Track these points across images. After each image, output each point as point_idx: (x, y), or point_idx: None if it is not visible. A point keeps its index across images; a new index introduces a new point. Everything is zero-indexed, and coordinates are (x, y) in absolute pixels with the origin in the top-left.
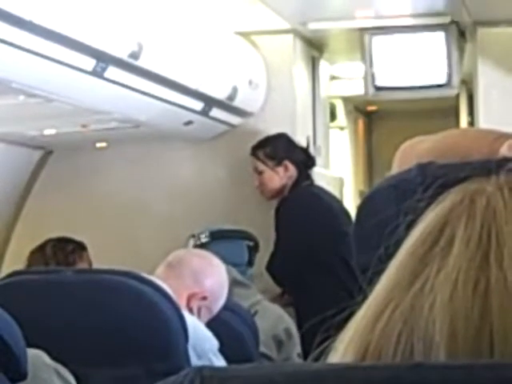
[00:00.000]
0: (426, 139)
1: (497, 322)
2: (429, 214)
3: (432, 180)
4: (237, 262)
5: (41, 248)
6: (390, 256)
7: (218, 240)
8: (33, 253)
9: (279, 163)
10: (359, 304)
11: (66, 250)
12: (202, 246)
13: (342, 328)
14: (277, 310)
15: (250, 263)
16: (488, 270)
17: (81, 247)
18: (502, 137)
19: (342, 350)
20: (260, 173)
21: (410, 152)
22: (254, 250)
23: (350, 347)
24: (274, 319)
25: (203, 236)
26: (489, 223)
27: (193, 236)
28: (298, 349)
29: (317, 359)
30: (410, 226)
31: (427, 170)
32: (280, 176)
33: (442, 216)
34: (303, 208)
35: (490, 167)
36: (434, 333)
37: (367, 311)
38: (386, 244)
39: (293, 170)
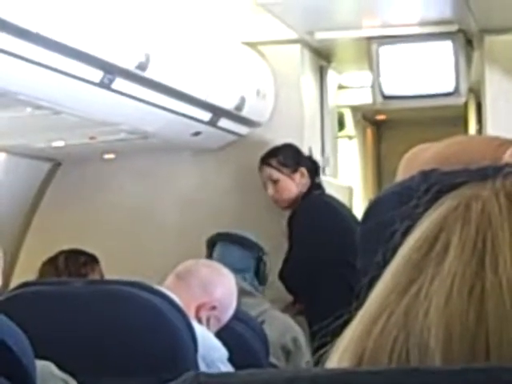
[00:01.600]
0: (431, 146)
1: (492, 327)
2: (425, 220)
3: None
4: (239, 267)
5: (53, 260)
6: (387, 262)
7: (220, 242)
8: (44, 265)
9: (295, 170)
10: (356, 309)
11: (78, 262)
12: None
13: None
14: (284, 319)
15: (258, 275)
16: (483, 275)
17: (93, 259)
18: (506, 143)
19: (339, 356)
20: (275, 181)
21: (415, 159)
22: (262, 262)
23: (346, 354)
24: (281, 329)
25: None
26: (484, 229)
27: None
28: (306, 358)
29: (316, 365)
30: (407, 232)
31: (430, 177)
32: (296, 183)
33: (438, 222)
34: (317, 217)
35: (487, 173)
36: (429, 338)
37: (363, 317)
38: (384, 249)
39: (307, 177)
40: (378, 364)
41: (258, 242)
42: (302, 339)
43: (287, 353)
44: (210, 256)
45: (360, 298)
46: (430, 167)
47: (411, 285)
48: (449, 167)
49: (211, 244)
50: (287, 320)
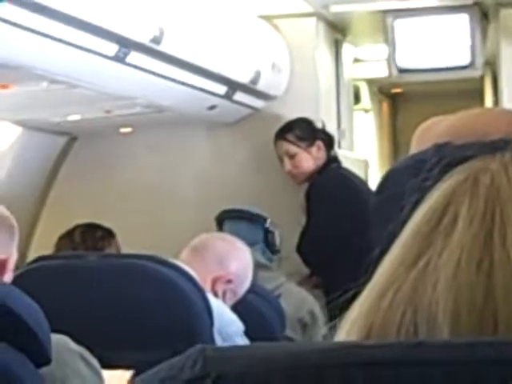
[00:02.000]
0: (445, 119)
1: (501, 300)
2: (434, 193)
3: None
4: (247, 242)
5: (69, 234)
6: (396, 234)
7: (227, 220)
8: (61, 238)
9: (312, 144)
10: (366, 282)
11: (95, 235)
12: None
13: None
14: (300, 292)
15: (268, 245)
16: (492, 248)
17: (110, 234)
18: None
19: (347, 329)
20: (292, 156)
21: (428, 132)
22: (269, 232)
23: (355, 327)
24: (297, 302)
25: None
26: (493, 201)
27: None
28: (323, 331)
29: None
30: (416, 205)
31: (444, 150)
32: (314, 156)
33: (446, 195)
34: (334, 190)
35: (496, 146)
36: (438, 312)
37: (371, 291)
38: (393, 222)
39: (323, 150)
40: (386, 338)
41: (262, 213)
42: (319, 312)
43: (304, 326)
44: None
45: (369, 271)
46: (443, 140)
47: (419, 258)
48: (462, 140)
49: (219, 222)
50: (303, 293)
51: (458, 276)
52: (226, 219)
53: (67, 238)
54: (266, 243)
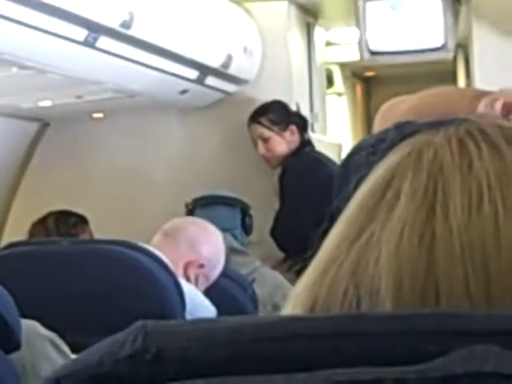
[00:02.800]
0: (408, 99)
1: (442, 273)
2: (379, 167)
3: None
4: (225, 227)
5: (42, 221)
6: (340, 209)
7: (204, 207)
8: (34, 225)
9: (285, 128)
10: (312, 256)
11: (68, 222)
12: (190, 213)
13: None
14: (275, 276)
15: (245, 230)
16: (433, 221)
17: (83, 220)
18: (482, 94)
19: (292, 304)
20: (266, 140)
21: (391, 111)
22: (247, 216)
23: (299, 302)
24: (272, 286)
25: (189, 204)
26: (435, 175)
27: (186, 205)
28: None
29: None
30: (361, 180)
31: (405, 128)
32: (287, 140)
33: (390, 169)
34: (308, 174)
35: (452, 123)
36: (380, 286)
37: (316, 266)
38: (339, 197)
39: (297, 134)
40: (330, 312)
41: (238, 197)
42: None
43: (278, 310)
44: None
45: (316, 245)
46: (405, 119)
47: (362, 232)
48: (424, 119)
49: (190, 210)
50: (278, 277)
51: (399, 250)
52: (199, 206)
53: (40, 224)
54: (243, 227)
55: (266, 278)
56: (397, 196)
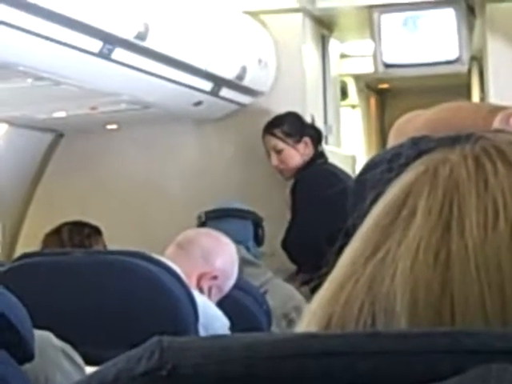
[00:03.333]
0: (422, 113)
1: (458, 290)
2: (394, 185)
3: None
4: (238, 239)
5: (56, 231)
6: (356, 226)
7: (216, 219)
8: (48, 236)
9: (299, 140)
10: (327, 273)
11: (82, 233)
12: (202, 226)
13: None
14: (287, 288)
15: (258, 242)
16: (449, 239)
17: (97, 231)
18: (497, 110)
19: (307, 321)
20: (279, 151)
21: (406, 126)
22: (260, 228)
23: (314, 319)
24: (283, 297)
25: (202, 217)
26: (451, 193)
27: (198, 217)
28: None
29: None
30: (377, 197)
31: (419, 143)
32: (301, 153)
33: (406, 186)
34: (319, 186)
35: (467, 139)
36: (395, 303)
37: (331, 282)
38: (355, 214)
39: (311, 146)
40: (345, 329)
41: (251, 210)
42: (305, 308)
43: (289, 322)
44: None
45: (330, 262)
46: (420, 134)
47: (378, 249)
48: (439, 134)
49: (202, 223)
50: (290, 289)
51: (415, 267)
52: (211, 219)
53: (54, 235)
54: (256, 239)
55: (278, 290)
56: (412, 214)
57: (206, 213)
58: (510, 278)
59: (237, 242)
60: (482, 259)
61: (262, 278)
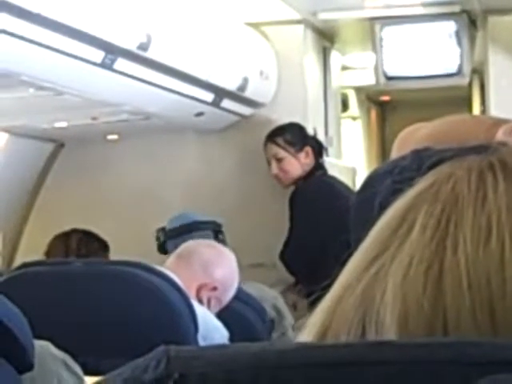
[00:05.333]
0: (425, 126)
1: (450, 304)
2: (399, 199)
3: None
4: None
5: (65, 237)
6: (361, 238)
7: (176, 237)
8: (55, 239)
9: (300, 149)
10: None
11: (91, 246)
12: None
13: None
14: (260, 289)
15: None
16: (443, 254)
17: (105, 247)
18: (499, 122)
19: (307, 331)
20: (280, 160)
21: (409, 138)
22: (219, 234)
23: (313, 330)
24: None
25: (160, 237)
26: (450, 208)
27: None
28: (289, 320)
29: None
30: (383, 209)
31: (423, 156)
32: (301, 162)
33: (408, 201)
34: (318, 197)
35: (474, 151)
36: (385, 316)
37: (331, 294)
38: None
39: (312, 157)
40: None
41: (210, 220)
42: (282, 304)
43: (271, 322)
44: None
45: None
46: (422, 146)
47: (373, 263)
48: (441, 146)
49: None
50: (264, 289)
51: (406, 281)
52: (170, 239)
53: (62, 240)
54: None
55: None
56: (410, 229)
57: (167, 232)
58: (499, 294)
59: None
60: (473, 276)
61: None
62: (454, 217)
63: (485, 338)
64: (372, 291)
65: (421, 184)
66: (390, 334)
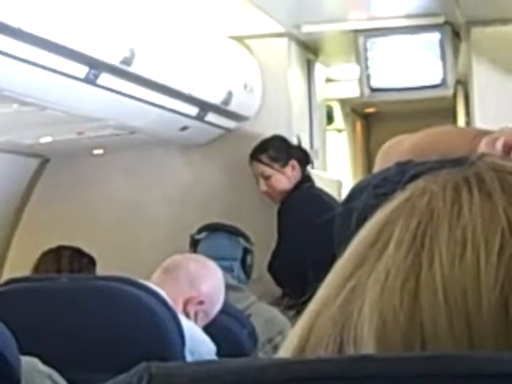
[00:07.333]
0: (408, 138)
1: (427, 317)
2: (377, 213)
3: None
4: (225, 255)
5: (55, 253)
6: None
7: (208, 234)
8: (45, 255)
9: (285, 164)
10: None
11: (82, 262)
12: (196, 243)
13: None
14: (270, 311)
15: (244, 266)
16: (419, 268)
17: (93, 262)
18: (483, 134)
19: (285, 346)
20: (267, 178)
21: (392, 151)
22: (248, 254)
23: (290, 346)
24: (267, 322)
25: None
26: (425, 223)
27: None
28: None
29: None
30: (361, 224)
31: (406, 168)
32: (288, 176)
33: (385, 215)
34: (305, 210)
35: (455, 163)
36: (363, 331)
37: (310, 309)
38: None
39: (298, 169)
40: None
41: (241, 229)
42: (289, 331)
43: (275, 347)
44: (194, 252)
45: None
46: (406, 158)
47: (349, 279)
48: (425, 158)
49: (195, 241)
50: (273, 312)
51: (383, 295)
52: (204, 233)
53: (53, 256)
54: (242, 263)
55: (261, 314)
56: (386, 244)
57: (198, 229)
58: (475, 307)
59: (225, 258)
60: (449, 290)
61: (244, 302)
62: (430, 231)
63: (465, 351)
64: (349, 306)
65: (397, 198)
66: (368, 348)
